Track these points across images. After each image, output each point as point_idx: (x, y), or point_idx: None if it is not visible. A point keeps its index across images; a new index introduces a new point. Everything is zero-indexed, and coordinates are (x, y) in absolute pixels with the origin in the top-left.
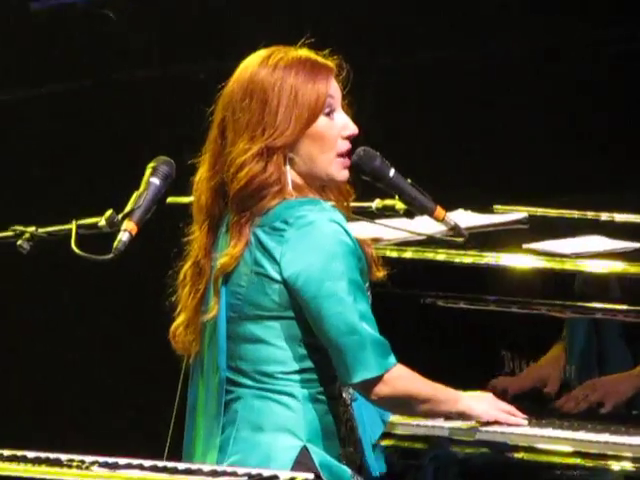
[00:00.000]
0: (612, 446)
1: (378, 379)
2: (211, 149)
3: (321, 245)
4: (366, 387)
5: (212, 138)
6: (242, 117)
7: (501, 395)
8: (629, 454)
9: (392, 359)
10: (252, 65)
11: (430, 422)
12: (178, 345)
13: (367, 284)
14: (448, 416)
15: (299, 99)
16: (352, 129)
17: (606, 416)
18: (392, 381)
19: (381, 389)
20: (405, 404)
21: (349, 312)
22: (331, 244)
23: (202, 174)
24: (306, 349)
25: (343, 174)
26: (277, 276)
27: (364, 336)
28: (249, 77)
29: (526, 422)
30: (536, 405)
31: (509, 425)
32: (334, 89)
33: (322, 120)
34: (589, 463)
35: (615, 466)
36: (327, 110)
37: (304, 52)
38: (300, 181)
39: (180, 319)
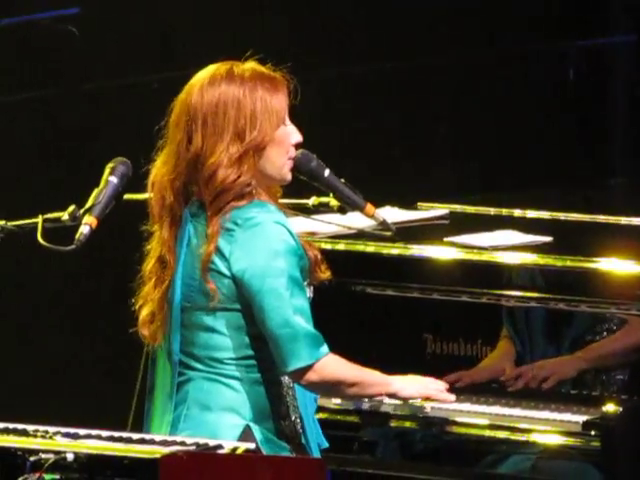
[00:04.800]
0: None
1: (308, 368)
2: (174, 152)
3: (265, 245)
4: (298, 375)
5: (176, 142)
6: (217, 125)
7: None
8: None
9: (323, 349)
10: (217, 78)
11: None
12: (146, 335)
13: (307, 281)
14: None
15: (269, 107)
16: (299, 137)
17: (545, 393)
18: (321, 369)
19: (311, 377)
20: (335, 389)
21: (285, 307)
22: (275, 244)
23: (163, 175)
24: (250, 339)
25: (289, 175)
26: (226, 272)
27: (297, 329)
28: (218, 89)
29: (454, 398)
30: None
31: (439, 401)
32: (286, 100)
33: (282, 127)
34: (502, 435)
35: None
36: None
37: (256, 66)
38: (254, 183)
39: (145, 312)
